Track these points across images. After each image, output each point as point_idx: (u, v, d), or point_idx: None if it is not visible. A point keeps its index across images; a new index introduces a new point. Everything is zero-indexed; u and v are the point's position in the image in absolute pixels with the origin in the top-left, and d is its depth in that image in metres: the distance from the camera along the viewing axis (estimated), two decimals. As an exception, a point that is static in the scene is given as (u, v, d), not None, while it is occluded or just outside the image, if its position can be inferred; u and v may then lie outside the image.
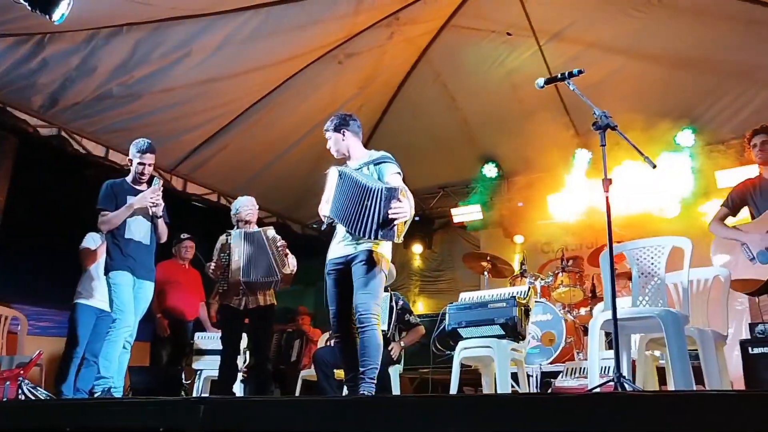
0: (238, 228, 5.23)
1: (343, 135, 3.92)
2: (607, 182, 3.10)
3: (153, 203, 4.60)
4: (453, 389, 4.52)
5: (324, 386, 5.20)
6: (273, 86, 7.11)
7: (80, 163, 6.94)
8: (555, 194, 8.33)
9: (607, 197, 3.10)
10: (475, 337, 4.49)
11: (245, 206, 5.27)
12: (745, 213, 4.25)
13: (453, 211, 8.98)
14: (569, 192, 8.15)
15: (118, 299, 4.47)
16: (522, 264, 6.61)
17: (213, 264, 5.04)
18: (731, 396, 1.93)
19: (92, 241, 5.82)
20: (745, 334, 5.62)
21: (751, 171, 6.73)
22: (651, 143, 7.64)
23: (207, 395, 6.09)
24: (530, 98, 7.68)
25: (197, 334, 6.44)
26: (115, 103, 6.58)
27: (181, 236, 6.51)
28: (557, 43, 7.03)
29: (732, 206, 4.23)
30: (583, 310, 6.16)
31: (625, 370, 2.92)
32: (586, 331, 6.05)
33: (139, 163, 4.70)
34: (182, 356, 6.40)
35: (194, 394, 6.12)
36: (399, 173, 3.77)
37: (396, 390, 5.21)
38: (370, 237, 3.57)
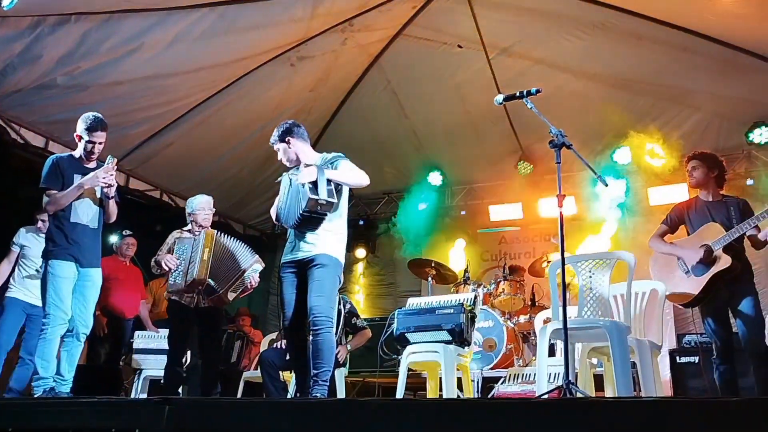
0: (192, 228, 5.13)
1: (289, 144, 3.97)
2: (561, 197, 3.24)
3: (106, 183, 4.26)
4: (399, 393, 4.61)
5: (269, 388, 5.21)
6: (223, 85, 7.05)
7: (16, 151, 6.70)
8: (496, 204, 8.58)
9: (561, 212, 3.25)
10: (423, 342, 4.61)
11: (203, 209, 5.13)
12: (683, 231, 4.51)
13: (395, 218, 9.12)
14: (510, 202, 8.42)
15: (54, 292, 4.13)
16: (465, 271, 6.78)
17: (169, 257, 4.90)
18: (687, 403, 2.09)
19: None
20: (670, 344, 5.97)
21: (680, 188, 7.19)
22: (589, 159, 8.00)
23: (146, 395, 6.00)
24: (477, 110, 7.92)
25: (137, 333, 6.33)
26: (58, 93, 6.38)
27: (123, 233, 6.38)
28: (506, 58, 7.24)
29: (671, 223, 4.48)
30: (522, 318, 6.38)
31: (571, 377, 3.06)
32: (525, 339, 6.27)
33: (89, 142, 4.33)
34: (121, 355, 6.26)
35: (133, 394, 6.01)
36: (354, 167, 3.88)
37: (341, 393, 5.27)
38: (292, 226, 3.77)
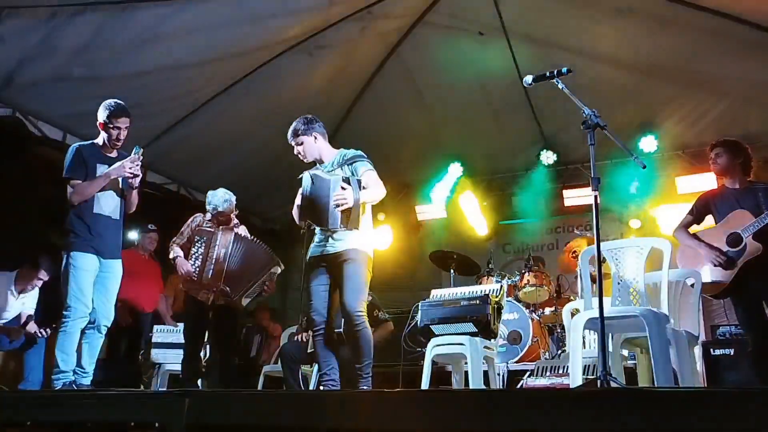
0: (212, 221, 5.05)
1: (315, 138, 3.96)
2: (595, 181, 3.11)
3: (132, 174, 4.17)
4: (424, 386, 4.49)
5: (290, 382, 5.15)
6: (241, 76, 6.95)
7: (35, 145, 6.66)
8: (518, 195, 8.42)
9: (596, 196, 3.11)
10: (448, 334, 4.49)
11: (226, 207, 5.06)
12: (710, 221, 4.35)
13: (417, 208, 9.00)
14: (533, 193, 8.26)
15: (75, 285, 4.04)
16: (489, 263, 6.64)
17: (183, 262, 4.84)
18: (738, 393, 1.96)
19: None
20: (702, 336, 5.80)
21: (709, 177, 6.99)
22: (616, 146, 7.82)
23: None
24: (498, 99, 7.77)
25: (156, 327, 6.27)
26: (74, 85, 6.32)
27: (148, 227, 6.31)
28: (528, 45, 7.07)
29: (696, 213, 4.35)
30: (547, 310, 6.23)
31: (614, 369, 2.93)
32: (550, 331, 6.13)
33: (114, 128, 4.22)
34: (140, 349, 6.21)
35: (153, 388, 5.96)
36: (372, 169, 3.87)
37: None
38: (323, 226, 3.74)
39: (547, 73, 3.50)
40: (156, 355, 6.05)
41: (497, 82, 7.56)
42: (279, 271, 4.96)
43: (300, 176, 3.93)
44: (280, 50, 6.78)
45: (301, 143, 3.98)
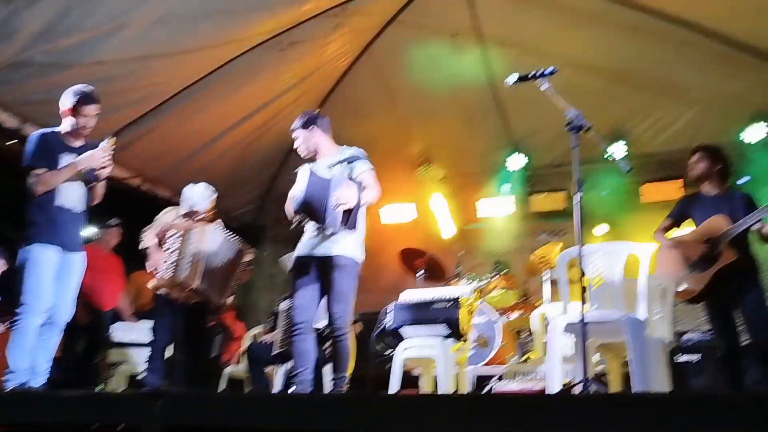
0: (187, 215, 4.90)
1: (311, 132, 3.91)
2: (579, 182, 3.09)
3: (103, 165, 3.97)
4: (393, 389, 4.44)
5: (257, 383, 5.04)
6: (210, 69, 6.78)
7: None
8: (485, 198, 8.43)
9: (579, 197, 3.09)
10: (419, 337, 4.44)
11: (208, 203, 4.91)
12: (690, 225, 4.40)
13: (380, 211, 8.92)
14: (500, 196, 8.28)
15: (33, 280, 3.83)
16: (458, 266, 6.62)
17: (161, 255, 4.67)
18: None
19: None
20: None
21: (675, 185, 7.12)
22: (583, 153, 7.88)
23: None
24: (470, 101, 7.76)
25: (115, 326, 6.07)
26: (35, 72, 6.04)
27: (111, 221, 6.10)
28: (501, 49, 7.09)
29: (675, 218, 4.40)
30: (515, 314, 6.23)
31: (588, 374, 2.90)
32: (518, 335, 6.13)
33: (82, 115, 4.01)
34: (98, 348, 6.00)
35: (110, 389, 5.76)
36: (370, 170, 3.84)
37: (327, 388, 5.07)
38: (321, 224, 3.65)
39: (530, 74, 3.43)
40: (115, 354, 5.85)
41: (469, 84, 7.53)
42: (251, 257, 4.85)
43: (296, 170, 3.83)
44: (251, 45, 6.65)
45: (296, 137, 3.98)
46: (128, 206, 7.61)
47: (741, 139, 7.01)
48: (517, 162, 8.08)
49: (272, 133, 8.24)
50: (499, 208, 8.23)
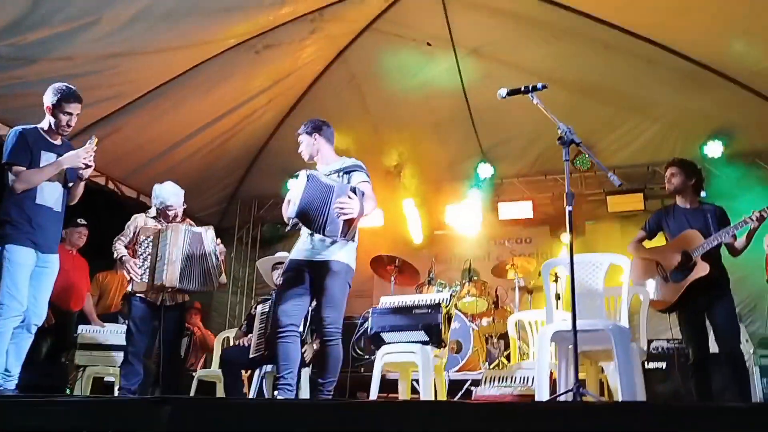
0: (158, 216, 4.83)
1: (315, 138, 3.93)
2: (569, 196, 3.17)
3: (86, 164, 3.92)
4: (374, 394, 4.46)
5: (231, 387, 4.98)
6: (183, 69, 6.70)
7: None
8: (453, 205, 8.54)
9: (570, 211, 3.17)
10: (399, 342, 4.47)
11: (177, 199, 4.84)
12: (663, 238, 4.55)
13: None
14: (468, 204, 8.39)
15: (10, 280, 3.72)
16: (430, 272, 6.68)
17: (134, 261, 4.60)
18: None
19: None
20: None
21: (637, 197, 7.35)
22: (552, 163, 8.09)
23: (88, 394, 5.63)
24: (441, 110, 7.86)
25: (81, 327, 5.91)
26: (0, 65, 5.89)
27: (78, 221, 5.95)
28: (474, 59, 7.21)
29: (649, 230, 4.53)
30: (485, 321, 6.33)
31: (572, 381, 2.99)
32: (487, 341, 6.23)
33: (65, 113, 3.92)
34: (64, 350, 5.84)
35: (76, 392, 5.61)
36: (368, 181, 3.82)
37: (306, 392, 5.07)
38: (319, 233, 3.61)
39: (522, 88, 3.52)
40: (81, 357, 5.71)
41: (441, 93, 7.67)
42: (213, 233, 4.81)
43: (296, 174, 3.81)
44: (226, 46, 6.60)
45: (307, 141, 3.96)
46: (93, 206, 7.44)
47: (704, 154, 7.27)
48: (485, 170, 8.20)
49: (243, 135, 8.20)
50: (467, 215, 8.32)
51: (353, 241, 3.73)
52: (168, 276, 4.50)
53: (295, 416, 2.22)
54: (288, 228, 3.77)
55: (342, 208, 3.46)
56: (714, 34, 6.19)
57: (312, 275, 3.73)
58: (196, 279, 4.62)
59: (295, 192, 3.72)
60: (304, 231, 3.80)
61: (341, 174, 3.82)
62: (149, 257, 4.59)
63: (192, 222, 5.05)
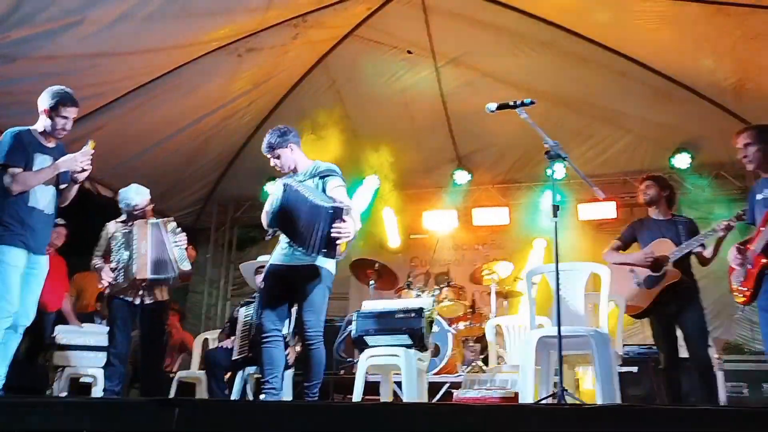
0: (128, 219, 4.90)
1: (292, 149, 3.94)
2: (556, 208, 3.31)
3: (82, 168, 3.93)
4: (357, 397, 4.55)
5: (213, 388, 5.02)
6: (165, 70, 6.69)
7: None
8: (430, 210, 8.68)
9: (555, 223, 3.31)
10: (382, 346, 4.57)
11: (142, 198, 4.92)
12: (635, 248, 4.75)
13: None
14: (444, 210, 8.55)
15: (1, 282, 3.71)
16: (409, 276, 6.79)
17: (108, 266, 4.66)
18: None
19: None
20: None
21: (609, 206, 7.59)
22: (525, 172, 8.29)
23: (66, 395, 5.60)
24: (420, 117, 8.00)
25: (59, 328, 5.88)
26: (-20, 63, 5.83)
27: (56, 221, 5.90)
28: (453, 68, 7.37)
29: (623, 239, 4.73)
30: (462, 325, 6.46)
31: (552, 385, 3.13)
32: (464, 344, 6.37)
33: (62, 117, 3.93)
34: (41, 351, 5.80)
35: (55, 394, 5.58)
36: (343, 186, 3.86)
37: (289, 394, 5.14)
38: (312, 253, 3.63)
39: (511, 103, 3.66)
40: (59, 357, 5.68)
41: (420, 100, 7.80)
42: (174, 225, 4.88)
43: (276, 182, 3.87)
44: (208, 49, 6.62)
45: (278, 156, 3.94)
46: (69, 205, 7.37)
47: (673, 165, 7.54)
48: (461, 177, 8.37)
49: (221, 137, 8.22)
50: (443, 221, 8.48)
51: (333, 258, 3.75)
52: (139, 268, 4.60)
53: (301, 418, 2.31)
54: (268, 236, 3.83)
55: (340, 232, 3.50)
56: (684, 51, 6.45)
57: (292, 280, 3.78)
58: (165, 266, 4.72)
59: (271, 202, 3.79)
60: (283, 237, 3.85)
61: (316, 179, 3.84)
62: (122, 261, 4.73)
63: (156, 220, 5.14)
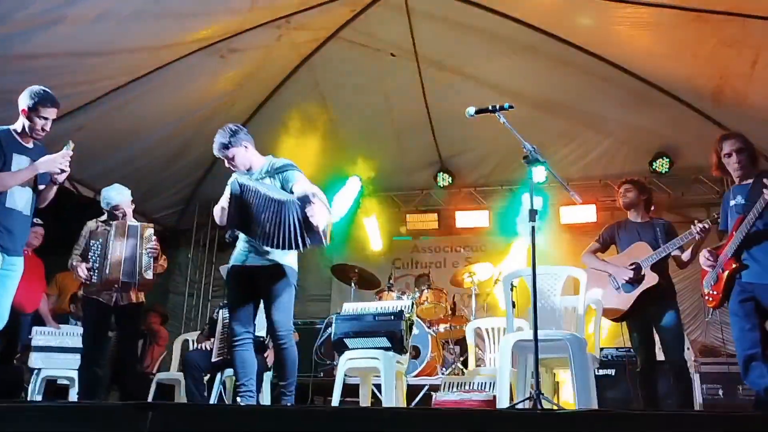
0: (108, 218, 4.87)
1: (246, 148, 3.91)
2: (533, 213, 3.33)
3: (62, 170, 3.88)
4: (336, 400, 4.55)
5: (192, 390, 4.99)
6: (147, 70, 6.64)
7: None
8: (413, 213, 8.71)
9: (533, 227, 3.33)
10: (362, 348, 4.57)
11: (126, 199, 4.90)
12: (613, 250, 4.78)
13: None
14: (426, 212, 8.57)
15: None
16: (390, 278, 6.80)
17: (85, 265, 4.62)
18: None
19: None
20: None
21: (590, 209, 7.65)
22: (506, 175, 8.33)
23: (41, 397, 5.55)
24: (402, 119, 8.01)
25: (35, 329, 5.82)
26: (-44, 61, 5.76)
27: (33, 221, 5.84)
28: (436, 71, 7.39)
29: (602, 242, 4.76)
30: (442, 327, 6.48)
31: (528, 388, 3.15)
32: (444, 346, 6.39)
33: (41, 117, 3.87)
34: (16, 353, 5.73)
35: (30, 396, 5.53)
36: (302, 175, 3.80)
37: (267, 397, 5.12)
38: (297, 248, 3.54)
39: (490, 107, 3.68)
40: (35, 359, 5.62)
41: (403, 102, 7.81)
42: (151, 232, 4.84)
43: (231, 179, 3.80)
44: (191, 49, 6.57)
45: (233, 156, 3.89)
46: (49, 205, 7.30)
47: (653, 168, 7.62)
48: (444, 179, 8.40)
49: (203, 137, 8.09)
50: (425, 223, 8.51)
51: (297, 249, 3.59)
52: (112, 269, 4.58)
53: (275, 422, 2.30)
54: (227, 237, 3.81)
55: (314, 217, 3.41)
56: (664, 57, 6.50)
57: (256, 280, 3.75)
58: (132, 271, 4.69)
59: (224, 199, 3.75)
60: (242, 237, 3.82)
61: (273, 175, 3.79)
62: (97, 259, 4.69)
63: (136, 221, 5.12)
